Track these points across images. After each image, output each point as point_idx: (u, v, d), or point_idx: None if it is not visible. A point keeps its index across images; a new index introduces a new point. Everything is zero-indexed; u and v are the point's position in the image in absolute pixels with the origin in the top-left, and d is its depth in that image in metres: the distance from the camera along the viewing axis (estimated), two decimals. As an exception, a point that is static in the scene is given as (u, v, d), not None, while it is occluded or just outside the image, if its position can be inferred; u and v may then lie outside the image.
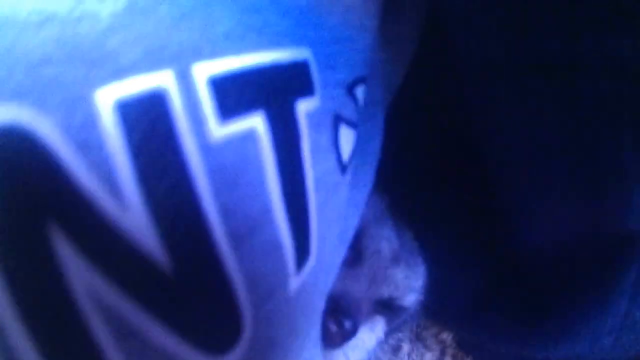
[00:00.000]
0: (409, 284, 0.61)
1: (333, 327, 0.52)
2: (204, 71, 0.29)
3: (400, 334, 0.71)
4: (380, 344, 0.63)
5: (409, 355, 0.71)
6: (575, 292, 0.57)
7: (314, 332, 0.45)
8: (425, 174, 0.65)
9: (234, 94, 0.30)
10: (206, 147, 0.29)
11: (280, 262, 0.33)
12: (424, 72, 0.57)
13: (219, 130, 0.29)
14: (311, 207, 0.35)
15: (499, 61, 0.50)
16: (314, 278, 0.38)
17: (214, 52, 0.29)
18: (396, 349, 0.71)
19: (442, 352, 0.73)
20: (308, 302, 0.38)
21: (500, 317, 0.63)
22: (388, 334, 0.65)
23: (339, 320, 0.52)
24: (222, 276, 0.30)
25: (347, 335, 0.54)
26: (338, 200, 0.40)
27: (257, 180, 0.31)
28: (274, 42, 0.32)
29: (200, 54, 0.29)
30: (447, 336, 0.75)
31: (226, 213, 0.30)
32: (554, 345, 0.60)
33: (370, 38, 0.43)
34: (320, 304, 0.43)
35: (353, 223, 0.48)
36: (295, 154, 0.33)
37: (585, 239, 0.56)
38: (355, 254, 0.57)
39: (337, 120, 0.38)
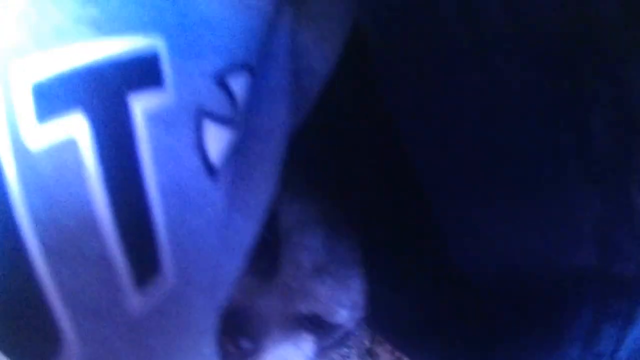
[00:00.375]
0: (337, 299, 0.55)
1: (230, 347, 0.49)
2: (22, 69, 0.27)
3: (346, 349, 0.66)
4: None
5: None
6: (520, 331, 0.51)
7: (204, 352, 0.40)
8: (362, 179, 0.58)
9: (53, 93, 0.27)
10: (22, 155, 0.27)
11: (110, 280, 0.30)
12: (348, 78, 0.51)
13: (36, 134, 0.27)
14: (156, 218, 0.31)
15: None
16: (180, 296, 0.34)
17: (37, 49, 0.27)
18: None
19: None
20: (172, 322, 0.34)
21: (446, 343, 0.57)
22: (326, 349, 0.61)
23: (236, 339, 0.49)
24: (36, 290, 0.28)
25: (247, 355, 0.50)
26: (206, 207, 0.35)
27: (77, 190, 0.28)
28: (111, 33, 0.29)
29: (21, 52, 0.27)
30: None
31: (42, 226, 0.27)
32: None
33: (259, 18, 0.38)
34: (203, 323, 0.38)
35: (248, 230, 0.43)
36: (128, 158, 0.30)
37: (530, 273, 0.49)
38: (269, 265, 0.52)
39: (201, 115, 0.34)
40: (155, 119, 0.30)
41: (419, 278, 0.56)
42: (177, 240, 0.33)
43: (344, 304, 0.56)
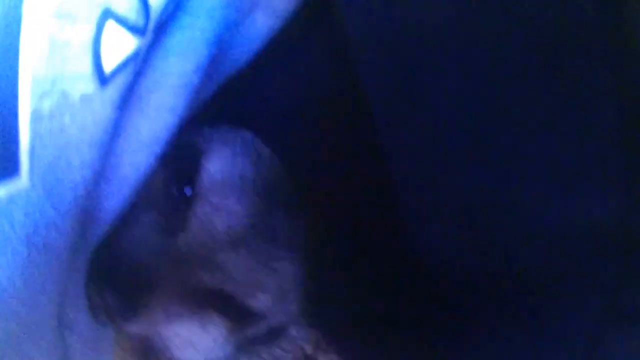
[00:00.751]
0: (256, 280, 0.44)
1: (97, 300, 0.42)
2: None
3: (280, 351, 0.51)
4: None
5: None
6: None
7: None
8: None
9: None
10: None
11: None
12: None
13: None
14: (23, 114, 0.29)
15: None
16: (35, 208, 0.31)
17: None
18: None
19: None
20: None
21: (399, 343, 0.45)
22: (250, 345, 0.49)
23: (103, 290, 0.41)
24: None
25: (113, 312, 0.41)
26: (87, 116, 0.32)
27: None
28: None
29: None
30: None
31: None
32: None
33: None
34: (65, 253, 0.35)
35: (138, 160, 0.38)
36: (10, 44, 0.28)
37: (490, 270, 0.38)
38: (176, 222, 0.43)
39: (106, 15, 0.31)
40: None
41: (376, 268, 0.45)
42: (45, 145, 0.31)
43: (266, 289, 0.45)
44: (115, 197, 0.38)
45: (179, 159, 0.42)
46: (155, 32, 0.36)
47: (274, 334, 0.49)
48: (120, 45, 0.32)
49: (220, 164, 0.43)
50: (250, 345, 0.49)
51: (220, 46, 0.39)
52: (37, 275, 0.33)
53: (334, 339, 0.50)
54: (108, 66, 0.32)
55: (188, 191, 0.43)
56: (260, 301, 0.45)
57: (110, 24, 0.31)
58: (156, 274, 0.42)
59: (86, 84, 0.31)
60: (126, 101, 0.36)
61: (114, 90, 0.33)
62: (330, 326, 0.49)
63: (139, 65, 0.36)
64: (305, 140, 0.44)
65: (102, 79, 0.32)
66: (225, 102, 0.44)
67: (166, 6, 0.35)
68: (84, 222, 0.36)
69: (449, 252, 0.38)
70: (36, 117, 0.29)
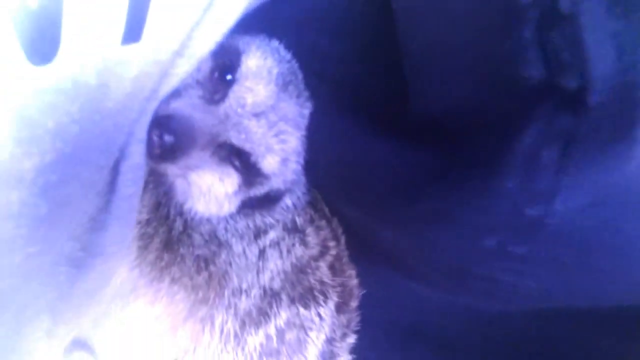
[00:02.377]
0: (268, 144, 0.59)
1: (154, 137, 0.52)
2: None
3: (272, 220, 0.64)
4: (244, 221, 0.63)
5: (274, 242, 0.63)
6: (463, 162, 0.51)
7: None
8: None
9: None
10: None
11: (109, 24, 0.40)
12: None
13: None
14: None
15: None
16: (139, 68, 0.44)
17: None
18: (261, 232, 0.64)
19: (322, 253, 0.64)
20: (126, 80, 0.43)
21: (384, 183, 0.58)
22: (249, 205, 0.63)
23: (161, 132, 0.52)
24: None
25: (167, 151, 0.53)
26: (185, 12, 0.44)
27: None
28: None
29: None
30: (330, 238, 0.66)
31: None
32: (433, 227, 0.54)
33: None
34: (142, 102, 0.47)
35: (198, 51, 0.49)
36: None
37: (479, 99, 0.51)
38: (219, 97, 0.57)
39: None
40: None
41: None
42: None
43: (274, 152, 0.59)
44: None
45: (225, 54, 0.56)
46: None
47: (271, 200, 0.63)
48: None
49: (255, 61, 0.58)
50: (250, 207, 0.63)
51: None
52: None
53: (325, 202, 0.65)
54: None
55: (230, 76, 0.57)
56: (268, 163, 0.59)
57: None
58: (199, 130, 0.55)
59: None
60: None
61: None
62: (321, 190, 0.63)
63: None
64: (318, 42, 0.60)
65: None
66: (261, 17, 0.58)
67: None
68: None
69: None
70: None
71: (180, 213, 0.64)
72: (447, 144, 0.52)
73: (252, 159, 0.58)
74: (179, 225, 0.64)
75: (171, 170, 0.59)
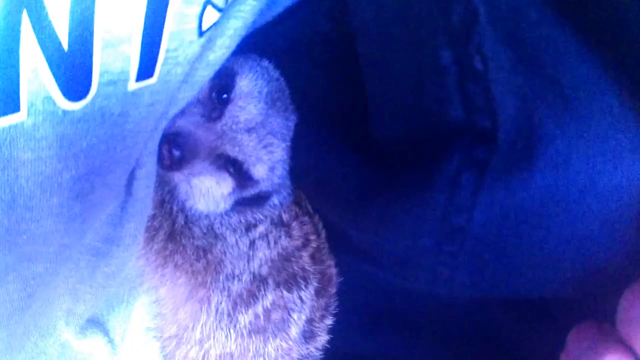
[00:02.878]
0: (258, 155, 0.69)
1: (165, 151, 0.64)
2: None
3: (261, 217, 0.74)
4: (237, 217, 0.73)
5: (262, 234, 0.73)
6: (409, 173, 0.62)
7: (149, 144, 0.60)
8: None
9: None
10: None
11: (126, 64, 0.48)
12: None
13: None
14: (163, 42, 0.50)
15: None
16: (152, 96, 0.53)
17: None
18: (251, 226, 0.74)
19: (304, 244, 0.74)
20: (142, 107, 0.53)
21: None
22: (242, 204, 0.72)
23: (170, 147, 0.64)
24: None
25: (175, 162, 0.65)
26: (189, 51, 0.53)
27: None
28: None
29: None
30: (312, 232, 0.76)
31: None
32: (383, 228, 0.63)
33: None
34: (155, 123, 0.57)
35: (204, 74, 0.59)
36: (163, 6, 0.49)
37: (418, 129, 0.61)
38: (216, 114, 0.68)
39: (207, 2, 0.52)
40: None
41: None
42: (166, 63, 0.52)
43: (263, 162, 0.70)
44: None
45: (222, 75, 0.65)
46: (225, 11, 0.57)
47: (261, 199, 0.73)
48: (210, 16, 0.53)
49: (247, 82, 0.69)
50: (242, 206, 0.73)
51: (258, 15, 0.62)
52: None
53: (309, 200, 0.75)
54: (204, 26, 0.53)
55: (225, 96, 0.68)
56: (258, 171, 0.70)
57: (209, 7, 0.53)
58: (201, 144, 0.66)
59: (190, 35, 0.53)
60: (210, 42, 0.57)
61: (205, 40, 0.55)
62: (305, 190, 0.73)
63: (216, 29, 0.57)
64: (300, 68, 0.70)
65: (200, 33, 0.53)
66: (252, 42, 0.67)
67: None
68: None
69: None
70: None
71: (182, 209, 0.74)
72: (394, 162, 0.63)
73: (245, 167, 0.69)
74: (181, 219, 0.74)
75: (177, 176, 0.69)
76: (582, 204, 0.53)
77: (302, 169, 0.71)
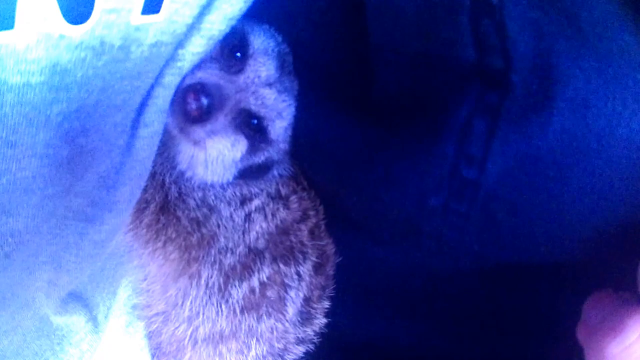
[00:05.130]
0: (279, 109, 0.67)
1: (191, 100, 0.61)
2: None
3: (255, 189, 0.72)
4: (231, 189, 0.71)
5: (259, 207, 0.71)
6: (414, 126, 0.59)
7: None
8: None
9: None
10: None
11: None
12: None
13: None
14: None
15: None
16: (157, 36, 0.51)
17: None
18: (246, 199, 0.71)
19: (303, 218, 0.71)
20: (145, 46, 0.50)
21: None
22: (247, 173, 0.70)
23: (198, 96, 0.61)
24: None
25: (204, 112, 0.62)
26: None
27: None
28: None
29: None
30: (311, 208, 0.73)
31: None
32: (386, 190, 0.61)
33: None
34: (157, 69, 0.54)
35: (220, 27, 0.57)
36: None
37: (425, 79, 0.58)
38: (236, 69, 0.66)
39: None
40: None
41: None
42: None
43: (282, 117, 0.68)
44: None
45: (232, 34, 0.62)
46: None
47: (263, 169, 0.71)
48: None
49: (262, 40, 0.68)
50: (243, 176, 0.70)
51: None
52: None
53: (304, 176, 0.72)
54: None
55: (239, 54, 0.66)
56: (276, 128, 0.68)
57: None
58: (227, 94, 0.64)
59: None
60: None
61: None
62: (299, 161, 0.71)
63: None
64: (299, 33, 0.69)
65: None
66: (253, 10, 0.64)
67: None
68: None
69: None
70: None
71: (175, 181, 0.71)
72: (398, 119, 0.60)
73: (264, 123, 0.67)
74: (174, 191, 0.71)
75: (197, 134, 0.66)
76: (602, 153, 0.51)
77: (303, 134, 0.69)
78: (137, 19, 0.49)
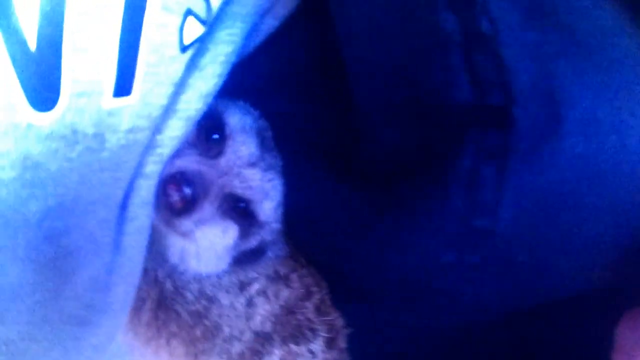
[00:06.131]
0: (265, 189, 0.65)
1: (173, 192, 0.58)
2: None
3: (253, 273, 0.70)
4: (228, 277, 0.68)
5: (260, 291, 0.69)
6: (414, 184, 0.56)
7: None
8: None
9: None
10: None
11: (100, 74, 0.44)
12: None
13: None
14: (141, 54, 0.47)
15: None
16: (132, 120, 0.49)
17: None
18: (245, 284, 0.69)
19: (307, 296, 0.70)
20: (121, 132, 0.48)
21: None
22: (242, 262, 0.68)
23: (180, 186, 0.58)
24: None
25: (188, 203, 0.59)
26: (171, 69, 0.50)
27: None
28: None
29: None
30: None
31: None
32: (394, 252, 0.58)
33: None
34: (137, 157, 0.52)
35: (197, 106, 0.56)
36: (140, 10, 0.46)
37: (419, 131, 0.56)
38: (215, 153, 0.63)
39: (188, 13, 0.50)
40: (162, 4, 0.47)
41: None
42: (147, 82, 0.49)
43: (270, 198, 0.66)
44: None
45: (206, 116, 0.60)
46: (210, 26, 0.55)
47: (256, 254, 0.68)
48: (192, 28, 0.51)
49: (238, 118, 0.65)
50: (238, 263, 0.68)
51: (245, 40, 0.60)
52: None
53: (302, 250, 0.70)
54: (186, 41, 0.51)
55: (216, 135, 0.63)
56: (265, 209, 0.65)
57: (190, 18, 0.50)
58: (209, 181, 0.61)
59: (170, 49, 0.50)
60: (193, 63, 0.53)
61: (187, 57, 0.52)
62: (298, 236, 0.69)
63: (202, 43, 0.54)
64: (277, 105, 0.68)
65: (182, 48, 0.51)
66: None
67: (218, 12, 0.54)
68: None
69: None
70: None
71: (169, 275, 0.68)
72: (397, 179, 0.58)
73: (252, 206, 0.64)
74: (169, 286, 0.69)
75: (184, 226, 0.62)
76: (615, 169, 0.49)
77: (294, 210, 0.67)
78: (109, 102, 0.46)
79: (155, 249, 0.67)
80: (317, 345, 0.69)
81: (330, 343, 0.70)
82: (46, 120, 0.43)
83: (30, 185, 0.43)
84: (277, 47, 0.67)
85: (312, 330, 0.69)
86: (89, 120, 0.46)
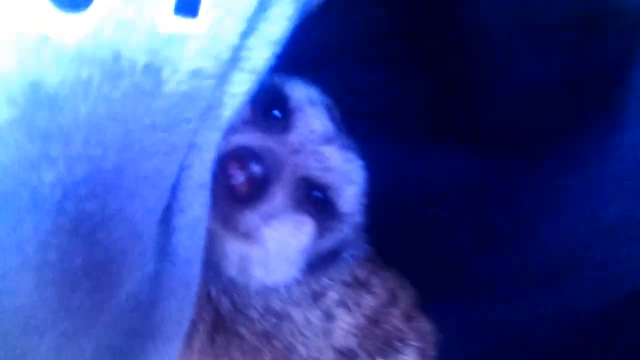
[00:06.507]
0: (346, 171, 0.54)
1: (236, 171, 0.45)
2: None
3: (326, 280, 0.60)
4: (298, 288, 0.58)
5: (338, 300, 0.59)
6: (564, 131, 0.49)
7: None
8: None
9: None
10: None
11: None
12: None
13: None
14: None
15: None
16: (198, 58, 0.36)
17: None
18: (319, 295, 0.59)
19: (392, 301, 0.62)
20: (182, 71, 0.36)
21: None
22: (316, 267, 0.58)
23: (246, 163, 0.45)
24: None
25: (256, 187, 0.46)
26: None
27: None
28: None
29: None
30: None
31: None
32: (547, 216, 0.51)
33: None
34: (197, 123, 0.39)
35: (265, 55, 0.43)
36: None
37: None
38: (278, 129, 0.52)
39: None
40: None
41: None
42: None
43: (352, 182, 0.55)
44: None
45: (262, 91, 0.47)
46: None
47: (332, 256, 0.59)
48: None
49: (303, 90, 0.56)
50: (312, 269, 0.57)
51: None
52: None
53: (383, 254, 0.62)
54: None
55: (277, 111, 0.53)
56: (346, 197, 0.54)
57: None
58: (281, 160, 0.49)
59: None
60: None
61: None
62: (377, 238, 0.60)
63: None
64: (341, 76, 0.59)
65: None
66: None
67: None
68: None
69: None
70: None
71: (224, 290, 0.58)
72: (531, 135, 0.51)
73: (330, 194, 0.53)
74: (226, 304, 0.58)
75: (249, 222, 0.49)
76: None
77: (378, 194, 0.57)
78: (169, 21, 0.34)
79: (206, 260, 0.56)
80: (408, 357, 0.61)
81: (423, 352, 0.62)
82: (73, 30, 0.29)
83: (42, 138, 0.28)
84: (328, 14, 0.56)
85: (402, 340, 0.61)
86: (139, 43, 0.33)
